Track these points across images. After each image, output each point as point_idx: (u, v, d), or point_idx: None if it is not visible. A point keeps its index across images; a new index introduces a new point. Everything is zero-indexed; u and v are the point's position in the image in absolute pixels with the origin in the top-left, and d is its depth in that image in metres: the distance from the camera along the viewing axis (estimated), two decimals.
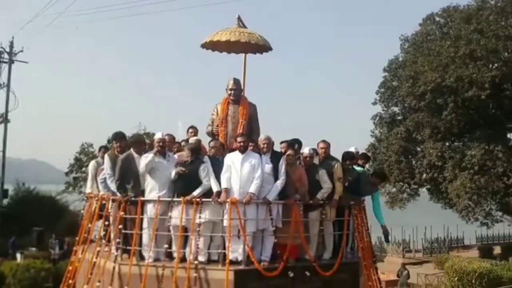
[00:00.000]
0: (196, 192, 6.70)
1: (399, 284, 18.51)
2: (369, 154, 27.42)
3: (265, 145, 7.12)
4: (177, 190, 6.84)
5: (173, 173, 6.89)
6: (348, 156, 7.80)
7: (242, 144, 6.92)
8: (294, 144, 7.70)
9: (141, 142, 7.48)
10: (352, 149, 8.22)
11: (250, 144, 7.17)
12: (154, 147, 7.16)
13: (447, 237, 30.81)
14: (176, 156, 7.25)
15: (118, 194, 7.07)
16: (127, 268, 6.66)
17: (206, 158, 7.01)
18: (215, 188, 6.79)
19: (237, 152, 6.97)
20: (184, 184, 6.80)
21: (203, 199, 6.69)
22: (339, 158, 7.74)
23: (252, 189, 6.70)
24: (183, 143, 7.87)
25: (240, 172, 6.77)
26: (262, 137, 7.29)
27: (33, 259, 15.79)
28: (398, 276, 18.70)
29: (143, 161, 6.90)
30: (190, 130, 8.41)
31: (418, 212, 29.37)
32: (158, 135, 7.24)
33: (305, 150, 7.46)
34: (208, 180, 6.79)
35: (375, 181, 8.43)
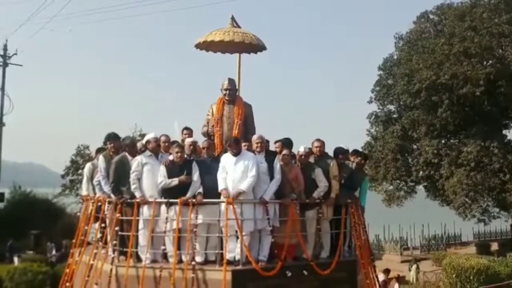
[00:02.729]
0: (189, 193, 6.70)
1: (411, 277, 18.85)
2: (366, 152, 27.52)
3: (258, 145, 7.11)
4: (173, 194, 6.80)
5: (168, 181, 6.81)
6: (340, 151, 7.79)
7: (234, 152, 6.91)
8: (288, 143, 7.69)
9: (135, 146, 7.46)
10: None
11: (244, 144, 7.17)
12: (147, 148, 7.16)
13: (444, 234, 30.87)
14: (171, 157, 7.22)
15: (112, 196, 7.07)
16: (124, 270, 6.64)
17: (194, 163, 6.97)
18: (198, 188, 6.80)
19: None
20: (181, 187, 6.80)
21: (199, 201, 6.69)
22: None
23: (244, 186, 6.67)
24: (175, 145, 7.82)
25: (233, 173, 6.75)
26: (255, 137, 7.27)
27: (31, 262, 15.74)
28: (409, 270, 19.13)
29: (135, 163, 6.96)
30: (185, 132, 8.37)
31: (415, 210, 29.44)
32: (150, 136, 7.23)
33: (301, 149, 7.45)
34: (196, 177, 6.80)
35: (359, 162, 8.24)
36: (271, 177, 6.90)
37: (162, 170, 6.87)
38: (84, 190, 8.50)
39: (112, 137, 7.68)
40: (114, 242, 6.98)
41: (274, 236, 6.74)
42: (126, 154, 7.21)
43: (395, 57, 28.00)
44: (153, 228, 6.74)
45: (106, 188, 7.28)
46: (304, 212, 7.19)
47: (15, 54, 26.43)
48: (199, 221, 6.63)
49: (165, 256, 6.79)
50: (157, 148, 7.17)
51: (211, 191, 6.77)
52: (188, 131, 8.34)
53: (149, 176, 6.94)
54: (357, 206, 7.90)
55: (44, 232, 21.24)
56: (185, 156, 7.03)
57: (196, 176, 6.81)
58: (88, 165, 8.51)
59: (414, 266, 18.95)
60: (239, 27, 8.68)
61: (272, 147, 7.74)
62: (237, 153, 6.88)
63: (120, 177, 7.03)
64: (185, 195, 6.67)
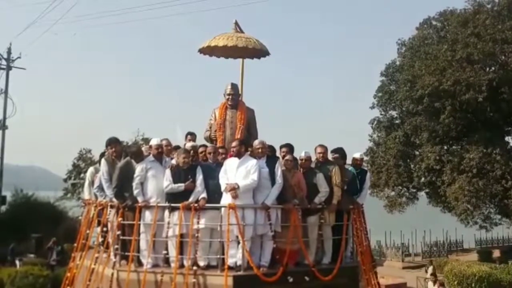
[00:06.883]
0: (192, 198, 6.71)
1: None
2: (368, 158, 27.49)
3: (259, 150, 7.11)
4: (178, 198, 6.80)
5: (175, 186, 6.80)
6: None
7: (234, 149, 6.91)
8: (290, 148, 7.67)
9: (141, 154, 7.45)
10: (357, 155, 8.21)
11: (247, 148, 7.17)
12: (150, 154, 7.17)
13: (446, 240, 30.77)
14: (173, 161, 7.22)
15: (115, 200, 7.07)
16: (125, 274, 6.64)
17: (198, 168, 6.99)
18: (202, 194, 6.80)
19: (234, 157, 6.96)
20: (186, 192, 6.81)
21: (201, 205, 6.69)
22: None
23: (241, 183, 6.65)
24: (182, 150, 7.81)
25: (235, 177, 6.74)
26: (256, 142, 7.27)
27: (32, 266, 15.72)
28: (426, 271, 19.30)
29: (138, 168, 6.96)
30: (189, 138, 8.38)
31: (417, 216, 29.37)
32: (154, 141, 7.24)
33: (302, 154, 7.45)
34: (199, 181, 6.82)
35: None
36: (273, 182, 6.89)
37: (168, 174, 6.87)
38: (86, 194, 8.51)
39: (113, 142, 7.70)
40: (116, 246, 6.98)
41: (275, 242, 6.73)
42: (132, 160, 7.20)
43: (398, 63, 28.02)
44: (155, 233, 6.74)
45: (109, 192, 7.28)
46: (306, 218, 7.18)
47: (19, 57, 26.47)
48: (202, 225, 6.63)
49: (166, 260, 6.79)
50: (160, 154, 7.17)
51: (214, 196, 6.78)
52: (192, 137, 8.36)
53: (153, 181, 6.95)
54: (359, 212, 7.89)
55: (45, 235, 21.23)
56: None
57: (199, 180, 6.81)
58: (90, 169, 8.53)
59: (431, 267, 18.89)
60: (242, 32, 8.71)
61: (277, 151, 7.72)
62: (237, 153, 6.88)
63: (124, 183, 7.03)
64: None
